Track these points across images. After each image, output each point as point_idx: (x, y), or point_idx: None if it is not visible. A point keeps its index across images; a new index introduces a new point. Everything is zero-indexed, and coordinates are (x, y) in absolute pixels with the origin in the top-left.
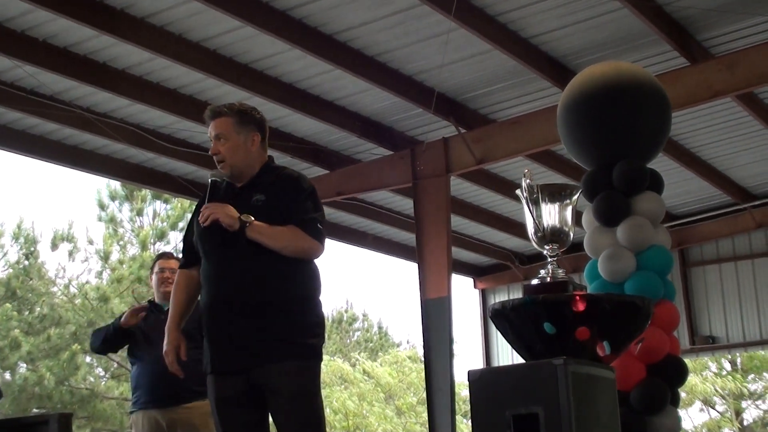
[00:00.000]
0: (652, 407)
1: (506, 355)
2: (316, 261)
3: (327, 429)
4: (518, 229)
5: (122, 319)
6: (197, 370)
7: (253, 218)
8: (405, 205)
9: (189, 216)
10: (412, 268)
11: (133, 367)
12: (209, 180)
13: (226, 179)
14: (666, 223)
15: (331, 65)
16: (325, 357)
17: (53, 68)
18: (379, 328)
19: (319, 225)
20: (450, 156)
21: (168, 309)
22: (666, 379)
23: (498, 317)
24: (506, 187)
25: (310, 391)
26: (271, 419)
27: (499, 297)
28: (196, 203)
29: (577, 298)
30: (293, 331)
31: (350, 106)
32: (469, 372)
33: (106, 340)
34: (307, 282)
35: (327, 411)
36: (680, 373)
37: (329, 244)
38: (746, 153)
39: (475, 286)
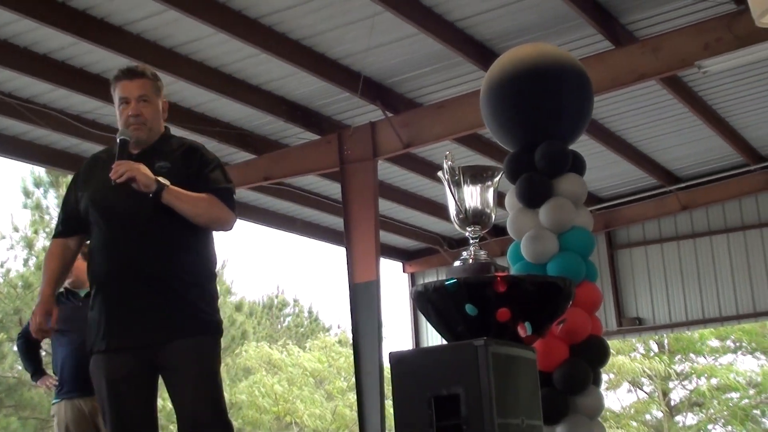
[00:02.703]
0: (574, 387)
1: (435, 339)
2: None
3: (254, 415)
4: (446, 212)
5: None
6: None
7: (168, 182)
8: (333, 189)
9: (72, 187)
10: (340, 252)
11: (54, 356)
12: (119, 139)
13: (128, 132)
14: (592, 206)
15: (257, 49)
16: (253, 342)
17: None
18: (310, 313)
19: (233, 195)
20: (377, 140)
21: (84, 295)
22: (588, 360)
23: (420, 299)
24: (434, 171)
25: (215, 367)
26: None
27: (429, 280)
28: (74, 175)
29: (498, 279)
30: (200, 306)
31: (276, 90)
32: (390, 354)
33: (30, 359)
34: (211, 255)
35: (256, 395)
36: (602, 354)
37: (259, 230)
38: (671, 136)
39: (404, 270)
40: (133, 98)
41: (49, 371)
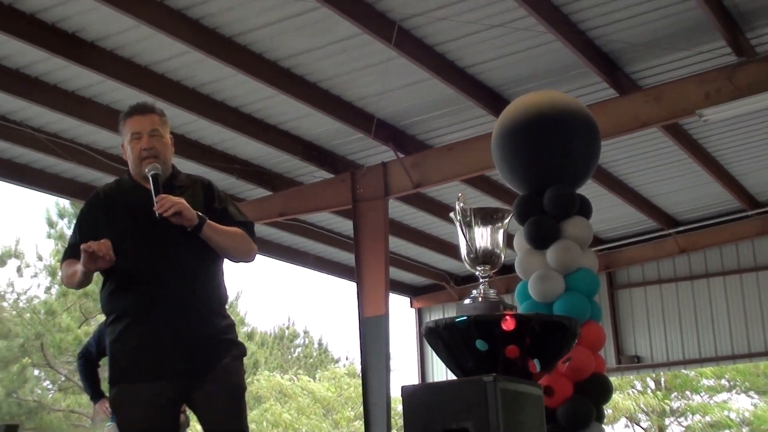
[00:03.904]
0: (578, 424)
1: (441, 372)
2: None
3: None
4: (453, 250)
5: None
6: None
7: (206, 217)
8: (345, 226)
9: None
10: (351, 287)
11: None
12: (150, 174)
13: (157, 166)
14: (594, 247)
15: (275, 90)
16: (265, 372)
17: (5, 89)
18: (320, 344)
19: (254, 229)
20: (388, 180)
21: None
22: (592, 397)
23: (431, 335)
24: (442, 210)
25: (243, 387)
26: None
27: (435, 316)
28: (88, 202)
29: (508, 317)
30: (227, 331)
31: (293, 130)
32: (402, 388)
33: (90, 381)
34: (224, 283)
35: (264, 424)
36: (605, 391)
37: (273, 264)
38: (671, 181)
39: (411, 305)
40: (145, 132)
41: (72, 397)
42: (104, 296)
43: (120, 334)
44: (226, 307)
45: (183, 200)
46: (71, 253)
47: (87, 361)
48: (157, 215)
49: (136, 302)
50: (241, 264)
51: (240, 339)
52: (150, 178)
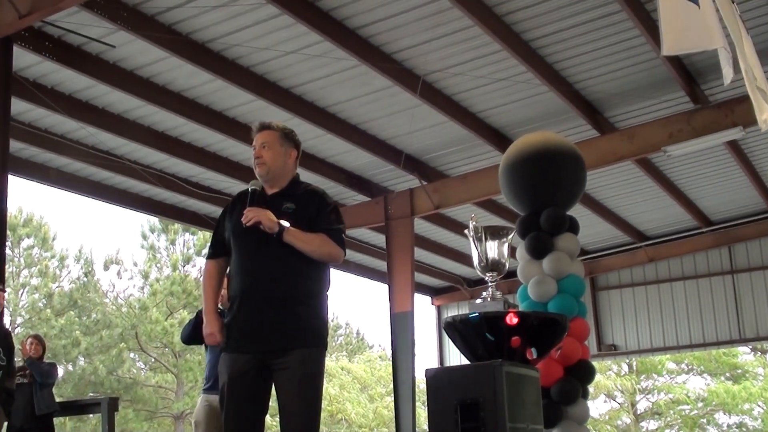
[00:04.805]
0: (567, 400)
1: (456, 358)
2: (331, 265)
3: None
4: (467, 259)
5: (206, 342)
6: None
7: (288, 224)
8: (379, 239)
9: (221, 217)
10: (383, 288)
11: (207, 359)
12: (250, 189)
13: (261, 185)
14: (580, 257)
15: (324, 131)
16: None
17: (109, 129)
18: (357, 334)
19: (342, 235)
20: (414, 202)
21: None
22: (578, 378)
23: (449, 328)
24: (458, 227)
25: (318, 373)
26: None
27: (451, 312)
28: (223, 208)
29: (511, 314)
30: (309, 322)
31: (338, 162)
32: (426, 370)
33: (191, 336)
34: (323, 281)
35: None
36: (589, 374)
37: None
38: (642, 204)
39: (432, 303)
40: (258, 144)
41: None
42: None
43: (229, 311)
44: (319, 301)
45: (266, 212)
46: (212, 248)
47: (194, 328)
48: (243, 225)
49: (240, 290)
50: (331, 264)
51: (326, 323)
52: (248, 193)
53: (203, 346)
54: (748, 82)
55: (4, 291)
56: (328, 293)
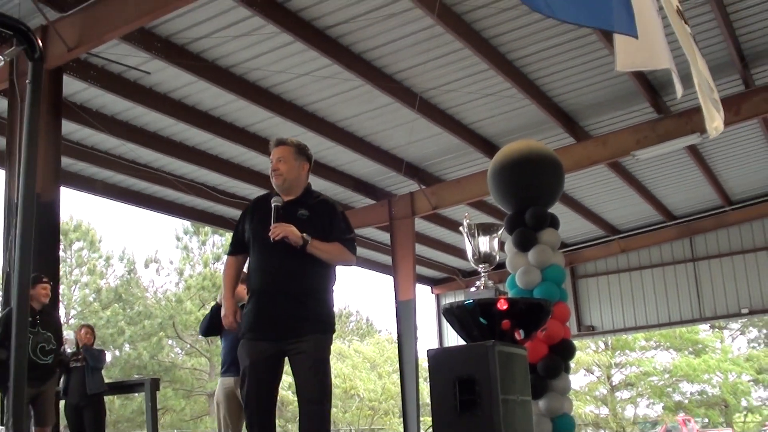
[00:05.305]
0: (551, 374)
1: (453, 339)
2: (337, 267)
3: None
4: (461, 253)
5: (225, 326)
6: None
7: (310, 238)
8: (384, 237)
9: (241, 219)
10: (389, 279)
11: (223, 345)
12: (273, 205)
13: (281, 201)
14: (561, 249)
15: (333, 142)
16: None
17: (146, 145)
18: (367, 320)
19: (354, 243)
20: (414, 204)
21: (241, 306)
22: (561, 355)
23: (448, 314)
24: (454, 225)
25: (326, 356)
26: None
27: (449, 300)
28: (242, 210)
29: (502, 300)
30: (319, 312)
31: (347, 170)
32: (427, 350)
33: (209, 328)
34: (330, 277)
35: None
36: (571, 351)
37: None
38: (614, 201)
39: (432, 292)
40: (275, 158)
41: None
42: (246, 275)
43: (248, 304)
44: (328, 294)
45: (292, 228)
46: (232, 247)
47: (213, 316)
48: (271, 239)
49: (259, 285)
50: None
51: (333, 312)
52: (273, 209)
53: (218, 336)
54: (701, 94)
55: (50, 283)
56: (334, 287)
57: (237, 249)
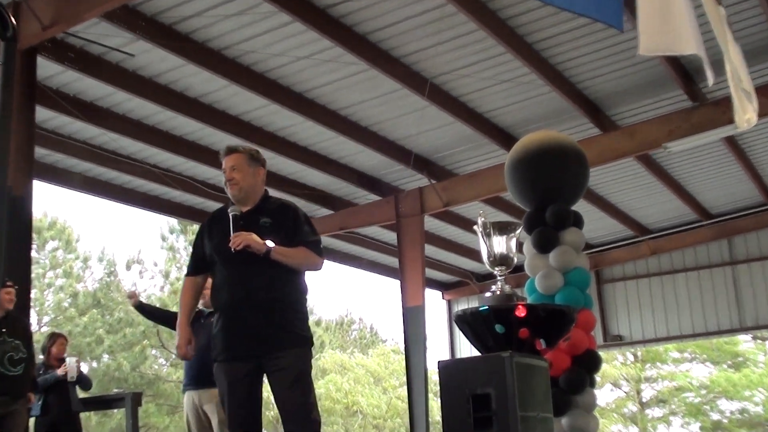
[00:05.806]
0: (575, 389)
1: (467, 350)
2: (307, 273)
3: (329, 405)
4: (476, 255)
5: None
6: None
7: (273, 244)
8: (390, 237)
9: (199, 236)
10: (395, 283)
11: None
12: (231, 214)
13: (239, 210)
14: (586, 251)
15: (336, 133)
16: (329, 350)
17: (129, 134)
18: (371, 328)
19: (320, 245)
20: (424, 200)
21: (208, 313)
22: (586, 368)
23: (460, 321)
24: (466, 224)
25: (308, 371)
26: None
27: (461, 306)
28: (200, 226)
29: (520, 306)
30: (296, 324)
31: (350, 163)
32: (438, 362)
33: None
34: (303, 286)
35: (330, 390)
36: (596, 363)
37: (335, 266)
38: (644, 198)
39: (442, 297)
40: (228, 167)
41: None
42: (210, 295)
43: (216, 325)
44: (302, 305)
45: (252, 235)
46: (191, 267)
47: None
48: (232, 249)
49: (227, 301)
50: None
51: (309, 325)
52: (230, 218)
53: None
54: (732, 84)
55: (14, 287)
56: (307, 297)
57: (197, 268)
